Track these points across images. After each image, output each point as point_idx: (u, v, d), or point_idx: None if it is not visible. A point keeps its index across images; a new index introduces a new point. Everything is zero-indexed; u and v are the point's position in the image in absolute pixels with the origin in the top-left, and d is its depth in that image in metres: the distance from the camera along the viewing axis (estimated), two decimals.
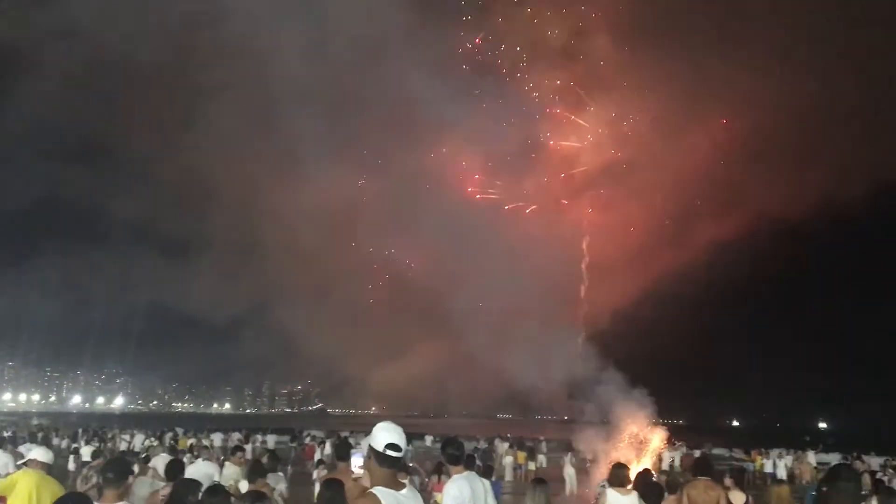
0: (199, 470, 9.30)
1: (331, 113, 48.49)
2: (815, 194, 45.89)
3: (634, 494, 7.83)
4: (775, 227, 50.18)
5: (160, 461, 10.05)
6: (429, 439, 33.43)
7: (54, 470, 7.04)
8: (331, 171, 47.03)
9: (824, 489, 3.61)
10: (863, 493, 4.48)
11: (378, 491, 3.64)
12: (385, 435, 3.74)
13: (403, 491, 3.72)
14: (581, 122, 48.19)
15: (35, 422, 50.11)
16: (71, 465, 18.56)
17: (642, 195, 45.72)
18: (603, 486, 8.43)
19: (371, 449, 3.79)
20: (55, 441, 29.39)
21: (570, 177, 47.84)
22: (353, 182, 46.49)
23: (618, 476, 8.15)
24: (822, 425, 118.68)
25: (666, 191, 44.51)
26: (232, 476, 9.80)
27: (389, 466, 3.73)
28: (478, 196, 49.73)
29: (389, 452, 3.69)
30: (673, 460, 23.87)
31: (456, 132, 48.88)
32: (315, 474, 12.97)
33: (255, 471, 7.85)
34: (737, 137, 45.85)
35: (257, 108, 49.69)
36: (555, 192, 47.21)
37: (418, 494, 3.84)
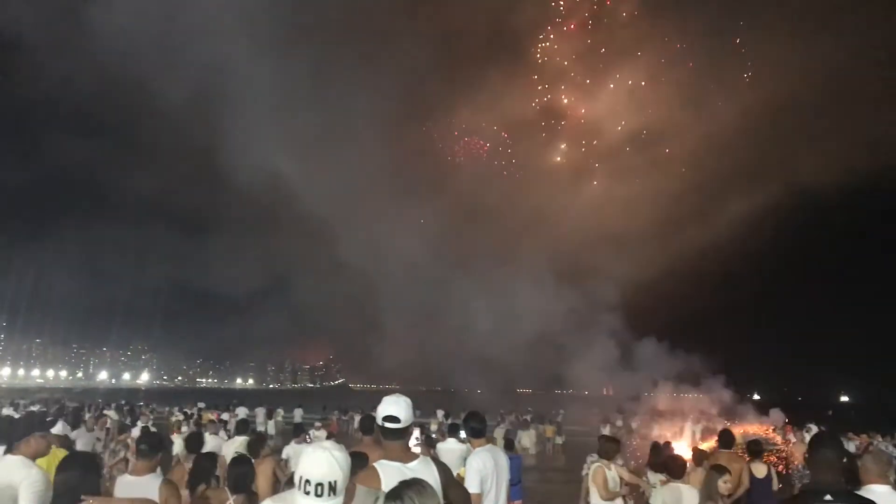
0: (209, 444, 9.58)
1: (346, 84, 48.19)
2: (848, 164, 44.69)
3: (594, 465, 7.68)
4: (801, 198, 49.18)
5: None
6: (440, 413, 33.46)
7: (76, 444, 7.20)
8: (344, 144, 46.88)
9: (809, 457, 3.71)
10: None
11: (380, 465, 3.61)
12: (384, 407, 3.71)
13: (412, 463, 3.65)
14: (602, 89, 47.35)
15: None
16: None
17: (666, 165, 44.98)
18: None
19: (376, 422, 3.79)
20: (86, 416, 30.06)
21: (591, 145, 47.18)
22: (367, 155, 46.22)
23: (600, 447, 8.05)
24: (844, 399, 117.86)
25: (690, 160, 43.73)
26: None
27: (392, 438, 3.68)
28: (494, 163, 49.36)
29: (387, 424, 3.66)
30: (695, 433, 23.88)
31: (471, 98, 48.48)
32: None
33: (253, 445, 7.94)
34: (765, 105, 44.77)
35: (273, 82, 49.34)
36: (575, 160, 46.61)
37: (432, 465, 3.75)
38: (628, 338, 32.09)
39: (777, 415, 28.08)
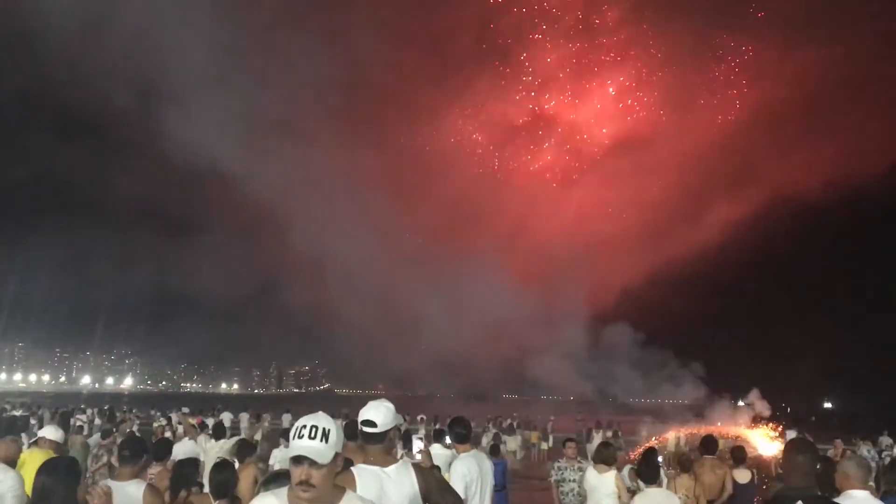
0: (185, 449, 9.49)
1: (331, 85, 47.95)
2: (833, 171, 44.82)
3: (613, 473, 7.80)
4: (789, 205, 49.32)
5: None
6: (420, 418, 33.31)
7: (70, 449, 7.14)
8: (334, 147, 46.63)
9: (783, 462, 3.75)
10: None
11: (357, 469, 3.64)
12: (363, 412, 3.75)
13: (390, 468, 3.67)
14: (590, 95, 47.47)
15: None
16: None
17: (653, 171, 45.14)
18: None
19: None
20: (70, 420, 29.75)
21: (577, 151, 47.32)
22: (358, 157, 46.02)
23: (601, 454, 8.11)
24: (827, 405, 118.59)
25: (677, 166, 43.92)
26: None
27: (371, 442, 3.72)
28: (479, 170, 49.37)
29: (365, 429, 3.70)
30: (678, 439, 23.97)
31: (457, 105, 48.42)
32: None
33: (241, 450, 7.95)
34: (751, 111, 45.06)
35: (259, 78, 48.92)
36: (562, 166, 46.76)
37: (411, 470, 3.75)
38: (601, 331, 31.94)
39: (756, 397, 27.72)
